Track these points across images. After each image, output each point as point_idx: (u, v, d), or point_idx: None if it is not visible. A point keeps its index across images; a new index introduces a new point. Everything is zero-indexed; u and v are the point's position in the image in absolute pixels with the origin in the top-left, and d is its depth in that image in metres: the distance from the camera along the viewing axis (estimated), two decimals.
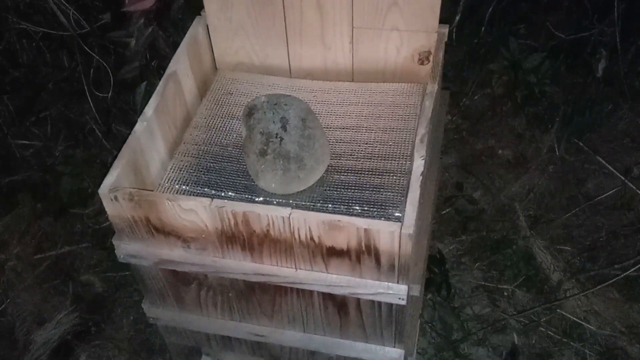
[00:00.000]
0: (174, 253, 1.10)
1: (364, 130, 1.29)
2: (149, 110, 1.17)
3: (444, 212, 1.98)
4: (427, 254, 1.75)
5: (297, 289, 1.12)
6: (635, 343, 1.68)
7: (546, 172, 2.05)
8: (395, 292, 1.03)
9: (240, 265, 1.08)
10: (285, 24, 1.34)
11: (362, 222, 0.95)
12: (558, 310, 1.74)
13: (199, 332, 1.34)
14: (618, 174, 1.87)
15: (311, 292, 1.11)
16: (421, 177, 1.03)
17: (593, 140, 2.10)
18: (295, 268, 1.07)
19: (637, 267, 1.75)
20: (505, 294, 1.80)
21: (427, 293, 1.78)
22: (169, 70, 1.24)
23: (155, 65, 1.73)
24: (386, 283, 1.03)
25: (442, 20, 1.29)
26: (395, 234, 0.94)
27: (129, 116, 1.98)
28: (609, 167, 1.89)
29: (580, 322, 1.72)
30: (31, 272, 1.88)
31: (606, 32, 2.05)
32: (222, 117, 1.33)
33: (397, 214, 1.10)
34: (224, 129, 1.31)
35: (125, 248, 1.12)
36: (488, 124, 2.21)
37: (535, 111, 2.18)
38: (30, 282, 1.85)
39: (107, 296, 1.85)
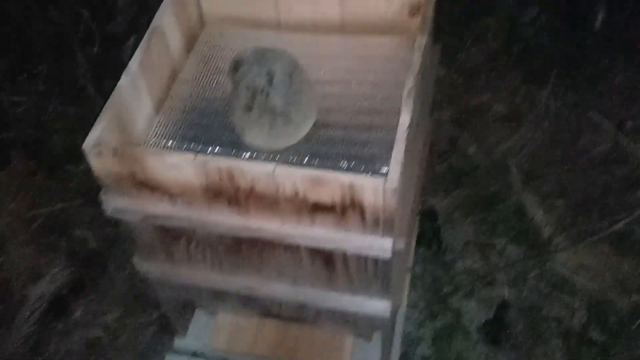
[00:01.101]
0: (160, 208, 1.10)
1: (353, 85, 1.27)
2: (134, 64, 1.15)
3: (438, 168, 1.98)
4: (418, 209, 1.76)
5: (284, 244, 1.12)
6: (625, 296, 1.70)
7: (541, 127, 2.04)
8: (380, 246, 1.03)
9: (226, 220, 1.09)
10: None
11: (346, 178, 0.95)
12: (548, 264, 1.75)
13: (189, 286, 1.36)
14: (611, 129, 1.86)
15: (298, 246, 1.12)
16: (407, 132, 1.02)
17: (589, 95, 2.08)
18: (282, 223, 1.07)
19: (628, 220, 1.76)
20: (497, 248, 1.81)
21: (418, 248, 1.80)
22: (153, 24, 1.22)
23: (145, 21, 1.70)
24: (371, 237, 1.03)
25: None
26: (379, 189, 0.94)
27: (121, 72, 1.96)
28: (603, 121, 1.88)
29: (570, 276, 1.74)
30: (26, 229, 1.89)
31: None
32: (209, 72, 1.31)
33: (384, 170, 1.09)
34: (211, 84, 1.29)
35: (113, 203, 1.12)
36: (483, 78, 2.18)
37: (531, 66, 2.16)
38: (24, 238, 1.86)
39: (101, 252, 1.87)
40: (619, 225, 1.75)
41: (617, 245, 1.78)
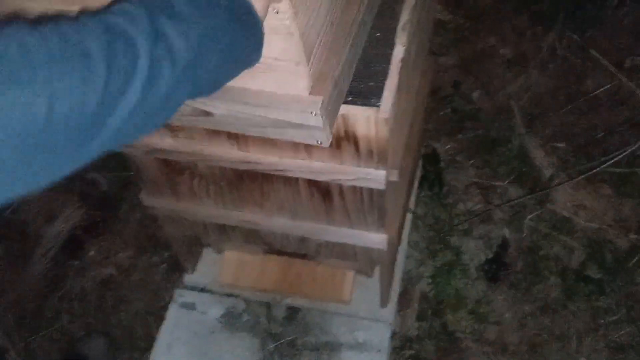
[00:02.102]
0: (163, 142, 1.14)
1: None
2: None
3: (442, 112, 2.00)
4: (420, 152, 1.78)
5: (283, 177, 1.16)
6: (623, 236, 1.73)
7: (546, 70, 2.04)
8: (374, 177, 1.07)
9: (227, 152, 1.12)
10: None
11: (340, 109, 0.98)
12: (548, 205, 1.78)
13: (195, 221, 1.41)
14: (614, 70, 1.85)
15: (296, 179, 1.16)
16: (400, 64, 1.04)
17: (596, 37, 2.07)
18: (280, 157, 1.11)
19: (628, 161, 1.77)
20: (499, 190, 1.84)
21: (421, 190, 1.83)
22: None
23: None
24: (365, 169, 1.06)
25: None
26: (371, 118, 0.97)
27: None
28: (607, 63, 1.88)
29: (570, 216, 1.77)
30: None
31: None
32: None
33: (379, 103, 1.12)
34: None
35: None
36: (490, 22, 2.17)
37: (537, 9, 2.14)
38: None
39: (113, 194, 1.93)
40: (620, 167, 1.77)
41: (617, 186, 1.80)
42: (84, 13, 0.51)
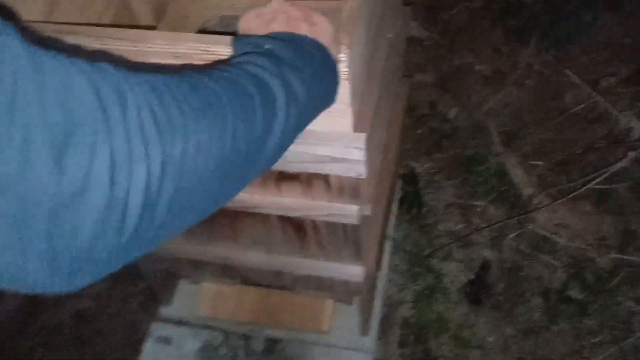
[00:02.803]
0: None
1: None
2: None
3: (419, 131, 1.98)
4: (395, 174, 1.76)
5: (255, 213, 1.13)
6: (604, 255, 1.72)
7: (523, 86, 2.03)
8: (346, 212, 1.04)
9: None
10: None
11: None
12: (529, 224, 1.77)
13: (168, 256, 1.38)
14: (591, 88, 1.85)
15: (268, 215, 1.13)
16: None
17: (572, 52, 2.07)
18: (250, 194, 1.08)
19: (607, 179, 1.76)
20: (478, 210, 1.82)
21: (400, 212, 1.81)
22: None
23: None
24: (337, 204, 1.04)
25: None
26: None
27: None
28: (583, 80, 1.87)
29: (551, 235, 1.75)
30: None
31: None
32: None
33: None
34: None
35: None
36: (466, 38, 2.16)
37: (513, 24, 2.14)
38: None
39: None
40: (599, 184, 1.76)
41: (597, 203, 1.79)
42: (223, 62, 0.61)
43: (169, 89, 0.48)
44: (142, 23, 1.30)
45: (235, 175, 0.56)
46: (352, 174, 0.91)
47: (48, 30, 0.75)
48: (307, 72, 0.63)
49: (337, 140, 0.86)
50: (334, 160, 0.88)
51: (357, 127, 0.85)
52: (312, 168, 0.92)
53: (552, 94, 2.01)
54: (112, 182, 0.42)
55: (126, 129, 0.43)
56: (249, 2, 1.35)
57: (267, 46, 0.63)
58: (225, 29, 1.14)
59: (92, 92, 0.42)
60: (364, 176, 0.91)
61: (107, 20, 1.17)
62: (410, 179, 1.83)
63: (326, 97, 0.72)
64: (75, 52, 0.74)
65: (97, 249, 0.43)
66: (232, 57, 0.65)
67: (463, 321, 1.64)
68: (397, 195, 1.81)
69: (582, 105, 1.90)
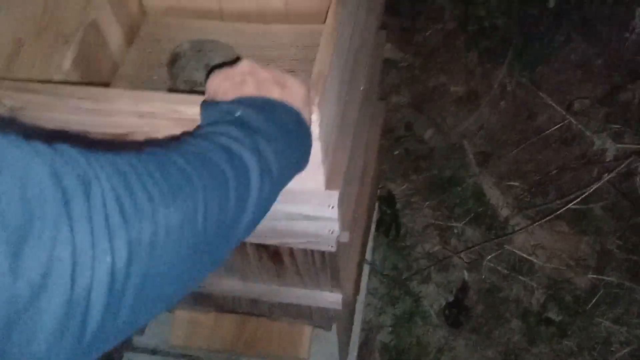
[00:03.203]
0: None
1: (298, 75, 1.24)
2: (66, 62, 1.11)
3: (395, 152, 1.97)
4: (374, 196, 1.74)
5: None
6: (582, 275, 1.72)
7: (497, 107, 2.03)
8: (324, 240, 1.01)
9: None
10: None
11: None
12: (506, 246, 1.76)
13: None
14: (564, 108, 1.86)
15: (244, 243, 1.10)
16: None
17: (545, 73, 2.08)
18: None
19: (583, 199, 1.77)
20: (456, 231, 1.81)
21: (378, 234, 1.79)
22: (88, 18, 1.18)
23: None
24: (314, 231, 1.01)
25: None
26: None
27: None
28: (556, 100, 1.88)
29: (528, 256, 1.75)
30: None
31: None
32: (150, 66, 1.27)
33: None
34: (152, 78, 1.26)
35: None
36: (440, 60, 2.17)
37: (487, 46, 2.15)
38: None
39: None
40: (575, 204, 1.76)
41: (573, 224, 1.80)
42: (190, 134, 0.58)
43: (136, 171, 0.45)
44: (112, 46, 1.27)
45: (206, 258, 0.52)
46: (325, 231, 0.89)
47: (5, 87, 0.72)
48: (281, 142, 0.61)
49: (309, 198, 0.84)
50: (307, 218, 0.86)
51: (330, 185, 0.83)
52: (284, 225, 0.90)
53: (526, 115, 2.02)
54: (72, 283, 0.38)
55: (90, 222, 0.40)
56: (222, 26, 1.34)
57: (238, 113, 0.60)
58: (197, 54, 1.12)
59: (53, 183, 0.39)
60: (337, 233, 0.89)
61: (76, 44, 1.14)
62: (387, 200, 1.81)
63: (299, 164, 0.69)
64: (31, 130, 0.72)
65: (53, 357, 0.38)
66: (201, 123, 0.62)
67: (443, 345, 1.62)
68: (375, 217, 1.79)
69: (556, 127, 1.91)
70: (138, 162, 0.47)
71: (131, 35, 1.34)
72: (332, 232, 0.89)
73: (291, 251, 1.10)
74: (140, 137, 0.74)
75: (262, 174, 0.57)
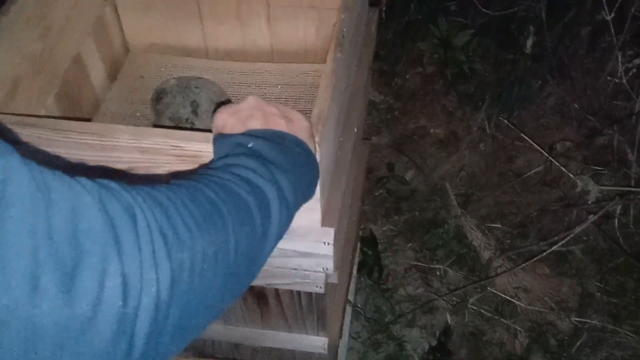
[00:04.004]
0: None
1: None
2: (49, 97, 1.08)
3: (377, 193, 1.96)
4: (357, 237, 1.73)
5: None
6: (565, 318, 1.71)
7: (477, 150, 2.05)
8: (312, 280, 0.99)
9: None
10: (198, 2, 1.27)
11: None
12: (489, 288, 1.75)
13: None
14: (544, 151, 1.88)
15: None
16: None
17: (523, 117, 2.11)
18: None
19: (565, 241, 1.77)
20: (438, 273, 1.80)
21: (360, 276, 1.76)
22: (70, 56, 1.16)
23: None
24: (303, 271, 0.99)
25: (375, 2, 1.25)
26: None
27: None
28: (536, 143, 1.90)
29: (511, 299, 1.74)
30: None
31: (532, 8, 2.05)
32: (132, 103, 1.25)
33: None
34: (135, 115, 1.23)
35: None
36: (420, 102, 2.19)
37: (465, 89, 2.18)
38: None
39: None
40: (557, 246, 1.76)
41: (555, 266, 1.80)
42: (207, 167, 0.60)
43: (173, 203, 0.48)
44: (95, 81, 1.25)
45: (235, 287, 0.55)
46: (319, 269, 0.89)
47: (7, 122, 0.72)
48: (293, 172, 0.63)
49: (304, 235, 0.83)
50: (301, 255, 0.86)
51: (326, 222, 0.82)
52: (277, 263, 0.90)
53: (506, 157, 2.03)
54: (121, 313, 0.40)
55: (138, 253, 0.42)
56: (206, 64, 1.33)
57: (250, 145, 0.62)
58: (183, 91, 1.10)
59: (102, 216, 0.41)
60: (331, 271, 0.89)
61: (58, 79, 1.11)
62: (369, 242, 1.79)
63: (309, 193, 0.71)
64: (55, 162, 0.74)
65: None
66: (215, 157, 0.64)
67: None
68: (357, 259, 1.76)
69: (535, 169, 1.93)
70: (174, 195, 0.49)
71: (114, 71, 1.32)
72: (326, 269, 0.88)
73: (277, 292, 1.06)
74: (140, 172, 0.74)
75: (280, 204, 0.59)
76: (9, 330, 0.35)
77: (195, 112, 1.08)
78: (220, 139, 0.65)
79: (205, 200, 0.51)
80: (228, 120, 0.67)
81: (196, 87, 1.11)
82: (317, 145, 0.70)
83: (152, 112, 1.12)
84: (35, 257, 0.36)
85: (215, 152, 0.66)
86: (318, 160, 0.71)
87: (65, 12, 1.11)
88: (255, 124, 0.65)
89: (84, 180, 0.43)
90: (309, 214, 0.78)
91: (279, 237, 0.61)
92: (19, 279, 0.35)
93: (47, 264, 0.37)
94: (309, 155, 0.68)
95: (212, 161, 0.64)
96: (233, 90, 1.28)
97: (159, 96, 1.11)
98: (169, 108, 1.09)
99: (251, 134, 0.64)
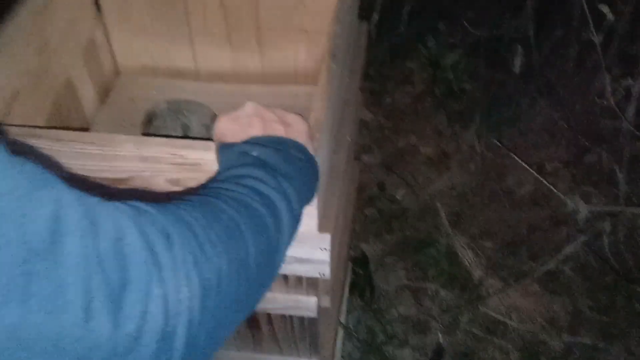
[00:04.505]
0: None
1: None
2: (40, 121, 1.08)
3: (368, 212, 1.96)
4: (347, 258, 1.72)
5: None
6: (556, 337, 1.71)
7: (467, 168, 2.06)
8: (304, 305, 0.99)
9: None
10: (189, 24, 1.27)
11: None
12: (480, 307, 1.75)
13: None
14: (533, 170, 1.89)
15: None
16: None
17: (512, 136, 2.13)
18: None
19: (555, 260, 1.78)
20: (430, 293, 1.79)
21: (351, 296, 1.76)
22: (62, 78, 1.16)
23: None
24: (295, 296, 0.98)
25: (364, 16, 1.26)
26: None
27: None
28: (525, 162, 1.92)
29: (503, 318, 1.73)
30: None
31: (520, 28, 2.08)
32: (123, 125, 1.25)
33: None
34: None
35: None
36: (410, 121, 2.20)
37: (455, 108, 2.19)
38: None
39: None
40: (548, 265, 1.77)
41: (546, 285, 1.80)
42: (216, 179, 0.62)
43: (198, 222, 0.50)
44: (86, 104, 1.24)
45: (254, 298, 0.58)
46: (316, 275, 0.89)
47: (9, 133, 0.74)
48: (297, 178, 0.65)
49: (301, 241, 0.83)
50: (298, 261, 0.86)
51: (322, 228, 0.84)
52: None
53: (496, 176, 2.04)
54: (162, 332, 0.43)
55: (175, 274, 0.45)
56: (197, 86, 1.33)
57: (254, 153, 0.63)
58: (174, 114, 1.10)
59: (141, 240, 0.44)
60: (327, 277, 0.89)
61: (49, 102, 1.11)
62: (361, 261, 1.79)
63: (310, 197, 0.73)
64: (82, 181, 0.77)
65: None
66: (220, 167, 0.66)
67: None
68: (348, 279, 1.76)
69: (525, 188, 1.94)
70: (197, 213, 0.51)
71: (105, 93, 1.32)
72: (322, 275, 0.89)
73: (269, 317, 1.06)
74: (140, 181, 0.76)
75: (289, 214, 0.61)
76: (64, 352, 0.38)
77: (185, 134, 1.08)
78: (223, 148, 0.66)
79: (224, 216, 0.53)
80: (228, 129, 0.68)
81: (187, 111, 1.11)
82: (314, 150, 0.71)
83: (143, 135, 1.12)
84: (87, 283, 0.39)
85: (219, 161, 0.67)
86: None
87: (60, 31, 1.11)
88: (255, 131, 0.67)
89: (121, 205, 0.46)
90: (306, 220, 0.79)
91: (288, 246, 0.63)
92: (74, 303, 0.38)
93: (98, 289, 0.40)
94: (310, 159, 0.69)
95: (218, 172, 0.65)
96: (225, 113, 1.28)
97: (149, 119, 1.11)
98: (159, 131, 1.09)
99: (254, 142, 0.65)
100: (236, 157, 0.64)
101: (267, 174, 0.61)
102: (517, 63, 2.03)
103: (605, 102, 1.36)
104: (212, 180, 0.62)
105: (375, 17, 2.09)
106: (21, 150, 0.71)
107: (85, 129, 1.23)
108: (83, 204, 0.42)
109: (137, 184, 0.77)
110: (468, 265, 1.83)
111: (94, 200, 0.44)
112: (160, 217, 0.47)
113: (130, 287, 0.41)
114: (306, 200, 0.69)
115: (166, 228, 0.46)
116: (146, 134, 1.10)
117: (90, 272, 0.39)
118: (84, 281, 0.39)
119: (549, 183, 1.74)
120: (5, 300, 0.36)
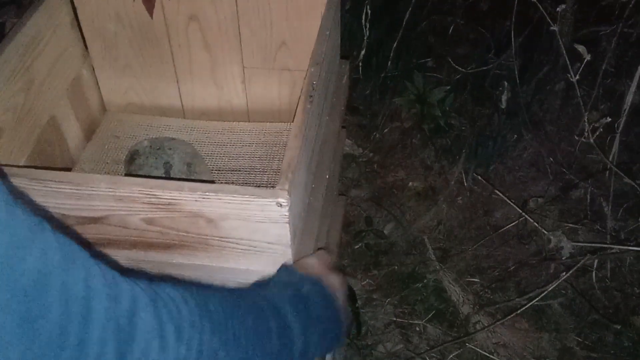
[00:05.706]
0: None
1: (257, 173, 1.25)
2: (21, 158, 1.09)
3: (356, 247, 1.96)
4: None
5: None
6: None
7: (455, 203, 2.06)
8: None
9: None
10: (174, 63, 1.29)
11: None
12: (468, 344, 1.73)
13: None
14: (519, 206, 1.90)
15: None
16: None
17: (499, 171, 2.14)
18: None
19: (543, 295, 1.77)
20: (417, 329, 1.78)
21: None
22: (46, 115, 1.17)
23: None
24: None
25: (346, 56, 1.28)
26: None
27: None
28: (512, 198, 1.93)
29: (490, 355, 1.72)
30: None
31: (506, 65, 2.11)
32: (107, 163, 1.26)
33: None
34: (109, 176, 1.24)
35: None
36: (398, 156, 2.21)
37: (442, 143, 2.21)
38: None
39: None
40: (535, 301, 1.76)
41: (534, 320, 1.79)
42: (264, 289, 0.75)
43: (237, 340, 0.61)
44: (70, 142, 1.25)
45: None
46: None
47: None
48: (329, 335, 0.78)
49: None
50: None
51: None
52: None
53: (483, 211, 2.05)
54: None
55: None
56: (183, 123, 1.35)
57: (304, 289, 0.76)
58: (156, 152, 1.11)
59: (157, 329, 0.52)
60: None
61: (33, 139, 1.12)
62: (349, 297, 1.77)
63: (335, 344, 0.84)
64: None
65: None
66: (272, 279, 0.78)
67: None
68: None
69: (512, 224, 1.94)
70: (245, 331, 0.62)
71: (90, 130, 1.33)
72: None
73: None
74: (116, 220, 0.77)
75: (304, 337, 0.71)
76: None
77: (167, 172, 1.09)
78: (285, 269, 0.79)
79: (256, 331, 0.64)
80: (315, 265, 0.83)
81: (169, 149, 1.12)
82: (286, 193, 0.72)
83: (125, 174, 1.12)
84: (104, 344, 0.47)
85: (275, 274, 0.79)
86: (287, 207, 0.74)
87: (47, 68, 1.13)
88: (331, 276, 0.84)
89: (140, 284, 0.53)
90: (280, 259, 0.81)
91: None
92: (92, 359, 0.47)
93: (109, 353, 0.48)
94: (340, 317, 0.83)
95: (272, 281, 0.77)
96: (209, 149, 1.29)
97: (132, 157, 1.12)
98: (142, 169, 1.09)
99: (311, 281, 0.78)
100: (285, 277, 0.77)
101: (299, 319, 0.71)
102: (504, 99, 2.06)
103: (584, 139, 1.38)
104: (265, 289, 0.73)
105: (362, 54, 2.12)
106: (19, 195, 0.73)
107: (68, 168, 1.23)
108: (106, 275, 0.51)
109: (113, 222, 0.78)
110: (456, 301, 1.83)
111: (116, 272, 0.52)
112: (185, 312, 0.55)
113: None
114: (328, 345, 0.80)
115: (181, 326, 0.54)
116: (129, 172, 1.11)
117: (107, 336, 0.48)
118: (101, 342, 0.47)
119: (535, 219, 1.75)
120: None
